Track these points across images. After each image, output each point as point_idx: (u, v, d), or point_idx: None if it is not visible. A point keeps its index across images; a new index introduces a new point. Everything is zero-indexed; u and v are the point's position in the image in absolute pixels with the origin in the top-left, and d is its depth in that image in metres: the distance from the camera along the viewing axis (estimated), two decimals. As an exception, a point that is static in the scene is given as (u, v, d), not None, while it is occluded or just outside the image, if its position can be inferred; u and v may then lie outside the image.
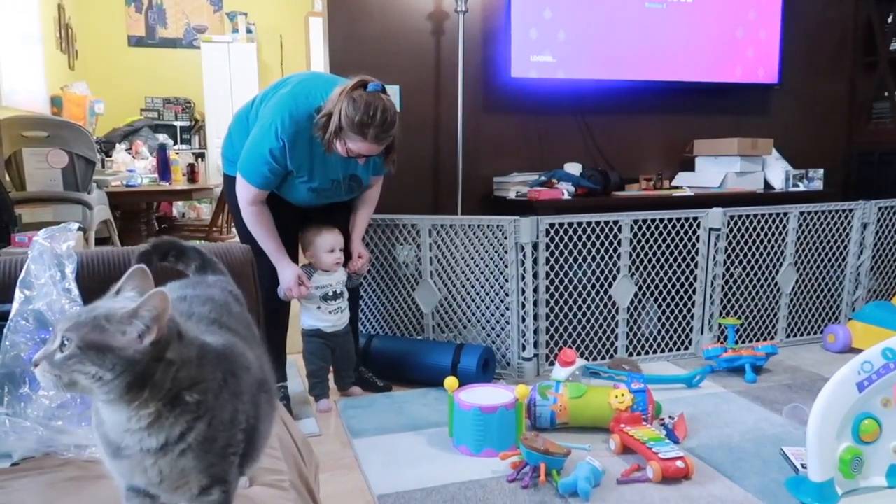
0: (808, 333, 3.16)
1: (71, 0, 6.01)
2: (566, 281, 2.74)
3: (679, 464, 1.81)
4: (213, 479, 0.72)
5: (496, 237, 2.63)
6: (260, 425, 0.80)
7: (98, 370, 0.66)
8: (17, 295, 0.99)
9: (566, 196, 3.05)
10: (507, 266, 2.62)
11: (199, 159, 6.70)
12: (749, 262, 3.00)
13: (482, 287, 2.69)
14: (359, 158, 2.14)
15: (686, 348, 2.95)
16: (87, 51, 6.43)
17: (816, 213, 3.07)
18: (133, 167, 4.44)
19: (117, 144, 5.27)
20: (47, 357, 0.67)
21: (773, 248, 3.03)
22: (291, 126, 2.07)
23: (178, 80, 6.87)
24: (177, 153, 5.26)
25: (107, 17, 6.68)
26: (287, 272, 2.27)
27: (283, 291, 2.30)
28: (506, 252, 2.62)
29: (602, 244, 2.75)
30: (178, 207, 6.06)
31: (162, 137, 5.78)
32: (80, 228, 1.30)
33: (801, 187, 3.49)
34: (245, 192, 2.17)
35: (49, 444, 0.90)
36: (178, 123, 6.81)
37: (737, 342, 2.85)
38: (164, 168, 4.20)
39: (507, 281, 2.63)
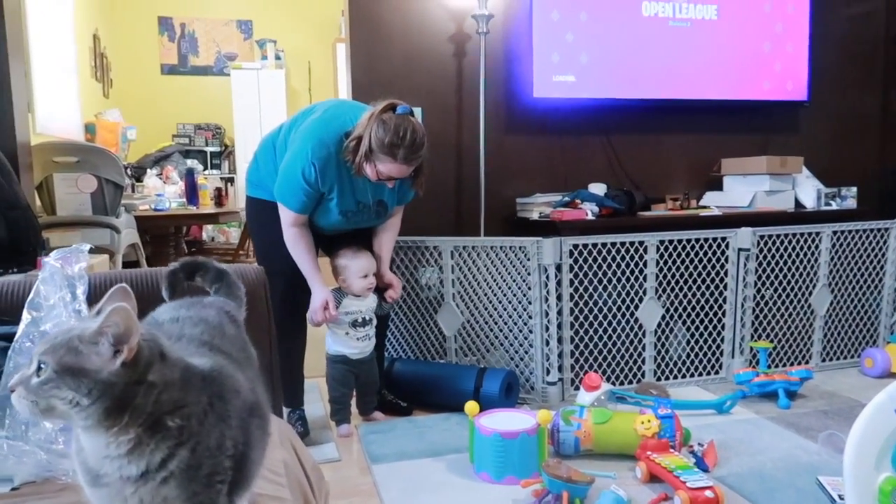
0: (845, 357, 3.05)
1: (106, 30, 6.19)
2: (591, 303, 2.68)
3: (708, 493, 1.73)
4: None
5: (519, 259, 2.60)
6: (251, 452, 0.77)
7: (74, 395, 0.64)
8: (25, 316, 0.99)
9: (590, 217, 3.01)
10: (530, 288, 2.58)
11: (229, 184, 6.81)
12: (781, 283, 2.91)
13: (505, 309, 2.65)
14: (388, 182, 2.16)
15: (716, 373, 2.86)
16: (121, 79, 6.61)
17: (850, 232, 2.98)
18: (163, 192, 4.53)
19: (148, 170, 5.39)
20: (23, 382, 0.64)
21: (805, 268, 2.94)
22: (322, 150, 2.10)
23: (209, 106, 7.01)
24: (205, 178, 5.35)
25: (140, 46, 6.87)
26: (317, 295, 2.27)
27: (310, 314, 2.29)
28: (529, 274, 2.58)
29: (627, 265, 2.70)
30: (207, 231, 6.15)
31: (192, 163, 5.89)
32: (94, 250, 1.30)
33: (834, 206, 3.40)
34: (285, 215, 2.21)
35: (49, 468, 0.89)
36: (208, 149, 6.93)
37: (769, 366, 2.75)
38: (191, 192, 4.26)
39: (530, 303, 2.59)
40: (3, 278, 1.30)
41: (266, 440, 0.83)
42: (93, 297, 1.18)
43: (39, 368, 0.65)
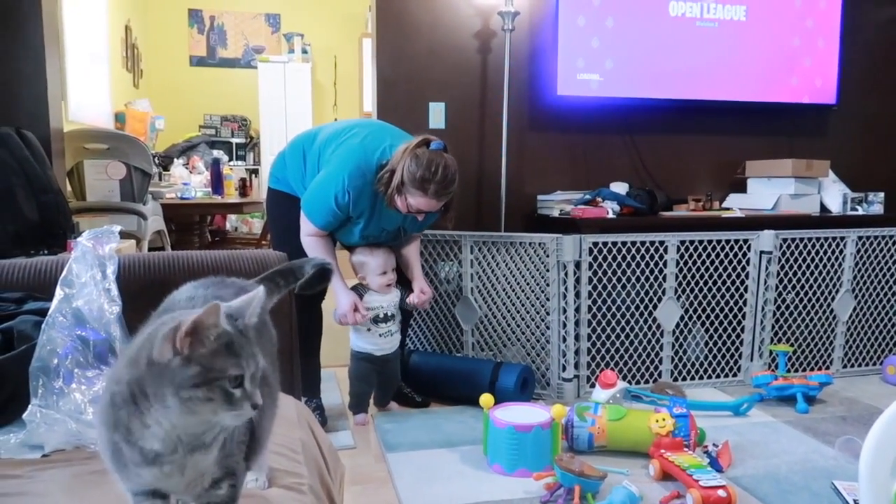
0: (867, 364, 3.01)
1: (138, 21, 6.29)
2: (609, 301, 2.68)
3: (721, 493, 1.73)
4: (225, 471, 0.72)
5: (538, 255, 2.61)
6: (262, 420, 0.80)
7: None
8: (58, 292, 1.03)
9: (611, 215, 3.00)
10: (548, 284, 2.59)
11: (253, 175, 6.88)
12: (803, 287, 2.89)
13: (523, 305, 2.66)
14: (417, 215, 2.20)
15: (734, 375, 2.85)
16: (151, 69, 6.71)
17: (876, 237, 2.94)
18: (189, 181, 4.60)
19: (175, 159, 5.47)
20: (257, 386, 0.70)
21: (829, 273, 2.91)
22: (360, 178, 2.15)
23: (236, 98, 7.09)
24: (230, 168, 5.42)
25: (170, 37, 6.96)
26: (343, 298, 2.29)
27: (337, 317, 2.31)
28: (548, 270, 2.59)
29: (647, 265, 2.70)
30: (231, 221, 6.23)
31: (217, 153, 5.96)
32: (121, 235, 1.35)
33: (860, 211, 3.35)
34: (306, 227, 2.25)
35: (79, 437, 0.93)
36: (234, 140, 7.01)
37: (788, 370, 2.74)
38: (216, 182, 4.33)
39: (548, 299, 2.60)
40: (35, 258, 1.34)
41: (274, 411, 0.86)
42: (121, 276, 1.22)
43: (254, 374, 0.71)
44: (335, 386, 2.75)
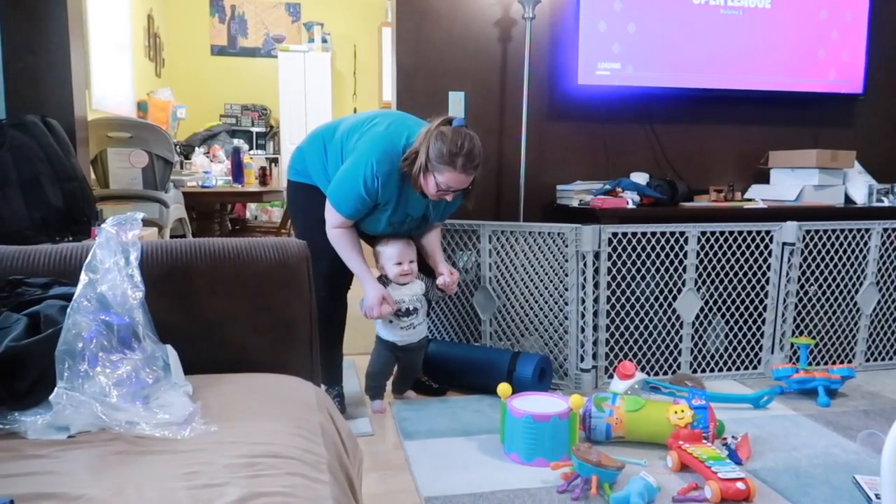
0: (890, 358, 2.97)
1: (160, 11, 6.34)
2: (628, 292, 2.67)
3: (740, 485, 1.73)
4: None
5: (557, 245, 2.60)
6: None
7: None
8: (82, 277, 1.05)
9: (630, 205, 2.98)
10: (567, 275, 2.58)
11: (273, 164, 6.92)
12: (826, 279, 2.85)
13: (541, 295, 2.66)
14: (447, 195, 2.19)
15: (754, 367, 2.82)
16: (172, 59, 6.76)
17: (902, 230, 2.89)
18: (210, 170, 4.64)
19: (196, 148, 5.52)
20: None
21: (853, 265, 2.87)
22: (387, 164, 2.15)
23: (256, 87, 7.12)
24: (251, 157, 5.45)
25: (192, 27, 7.01)
26: (371, 291, 2.29)
27: (364, 309, 2.31)
28: (566, 260, 2.58)
29: (667, 256, 2.68)
30: (251, 210, 6.28)
31: (238, 142, 6.00)
32: (147, 222, 1.36)
33: (886, 203, 3.29)
34: (333, 218, 2.25)
35: (104, 419, 0.95)
36: (254, 129, 7.04)
37: (810, 363, 2.71)
38: (237, 171, 4.36)
39: (567, 290, 2.59)
40: (61, 245, 1.37)
41: None
42: (144, 263, 1.23)
43: None
44: (354, 374, 2.77)
